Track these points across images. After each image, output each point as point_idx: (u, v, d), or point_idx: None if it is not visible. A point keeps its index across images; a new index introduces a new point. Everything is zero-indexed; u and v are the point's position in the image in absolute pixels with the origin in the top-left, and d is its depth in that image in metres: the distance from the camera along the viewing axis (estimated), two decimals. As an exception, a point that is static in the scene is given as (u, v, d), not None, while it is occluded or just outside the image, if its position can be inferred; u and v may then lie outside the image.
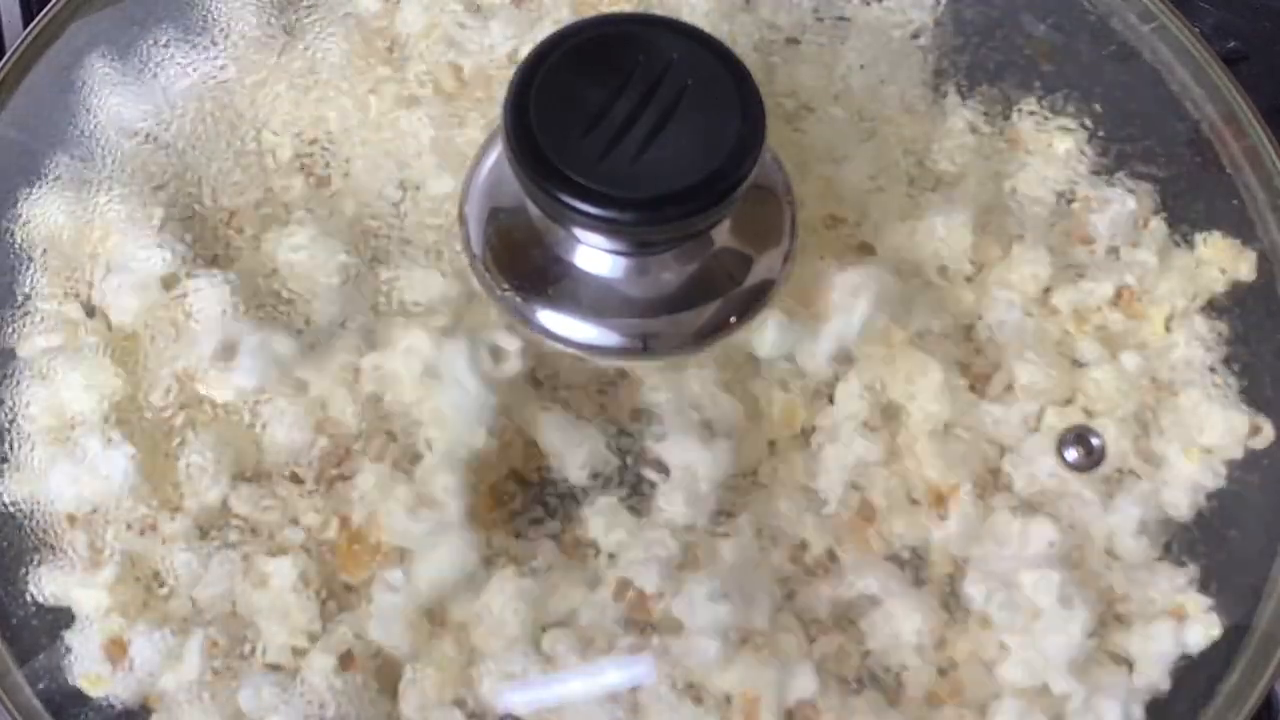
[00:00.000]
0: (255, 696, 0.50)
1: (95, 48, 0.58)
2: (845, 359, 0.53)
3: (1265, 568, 0.55)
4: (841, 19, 0.59)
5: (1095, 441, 0.54)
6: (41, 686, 0.51)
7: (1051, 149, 0.58)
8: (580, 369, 0.53)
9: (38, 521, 0.52)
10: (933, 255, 0.55)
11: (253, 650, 0.50)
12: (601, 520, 0.51)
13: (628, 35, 0.49)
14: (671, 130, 0.47)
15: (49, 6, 0.58)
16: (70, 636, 0.51)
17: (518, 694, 0.50)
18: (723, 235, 0.51)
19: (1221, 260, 0.57)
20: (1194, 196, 0.58)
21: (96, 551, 0.51)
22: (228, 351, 0.52)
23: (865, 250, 0.55)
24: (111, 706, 0.51)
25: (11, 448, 0.53)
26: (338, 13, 0.58)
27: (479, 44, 0.57)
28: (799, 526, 0.52)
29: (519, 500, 0.52)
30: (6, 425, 0.53)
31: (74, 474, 0.52)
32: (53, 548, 0.52)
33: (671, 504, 0.51)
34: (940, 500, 0.53)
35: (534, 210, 0.50)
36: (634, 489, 0.52)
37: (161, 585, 0.51)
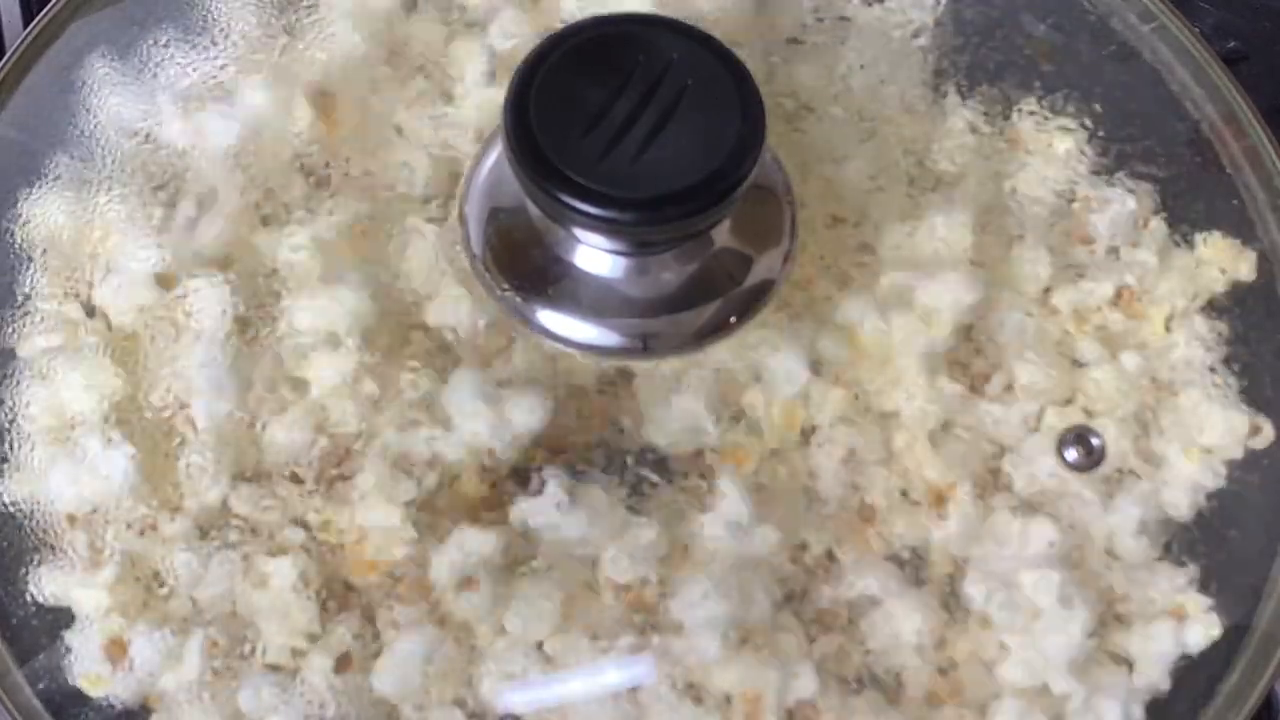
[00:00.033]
0: (255, 697, 0.49)
1: (95, 48, 0.57)
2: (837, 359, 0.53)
3: (1265, 568, 0.55)
4: (841, 19, 0.59)
5: (1095, 441, 0.54)
6: (41, 686, 0.51)
7: (1051, 149, 0.58)
8: (580, 369, 0.53)
9: (38, 521, 0.52)
10: (933, 255, 0.55)
11: (252, 650, 0.50)
12: (601, 520, 0.51)
13: (628, 35, 0.49)
14: (671, 130, 0.47)
15: (49, 6, 0.58)
16: (70, 636, 0.51)
17: (518, 694, 0.50)
18: (723, 235, 0.51)
19: (1221, 260, 0.57)
20: (1194, 196, 0.58)
21: (96, 551, 0.51)
22: None
23: (865, 250, 0.55)
24: (111, 706, 0.51)
25: (11, 448, 0.53)
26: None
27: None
28: (799, 526, 0.52)
29: (519, 500, 0.52)
30: (6, 425, 0.53)
31: (74, 474, 0.52)
32: (53, 548, 0.52)
33: (671, 504, 0.51)
34: (940, 500, 0.53)
35: (534, 210, 0.50)
36: (634, 489, 0.52)
37: (161, 585, 0.51)
